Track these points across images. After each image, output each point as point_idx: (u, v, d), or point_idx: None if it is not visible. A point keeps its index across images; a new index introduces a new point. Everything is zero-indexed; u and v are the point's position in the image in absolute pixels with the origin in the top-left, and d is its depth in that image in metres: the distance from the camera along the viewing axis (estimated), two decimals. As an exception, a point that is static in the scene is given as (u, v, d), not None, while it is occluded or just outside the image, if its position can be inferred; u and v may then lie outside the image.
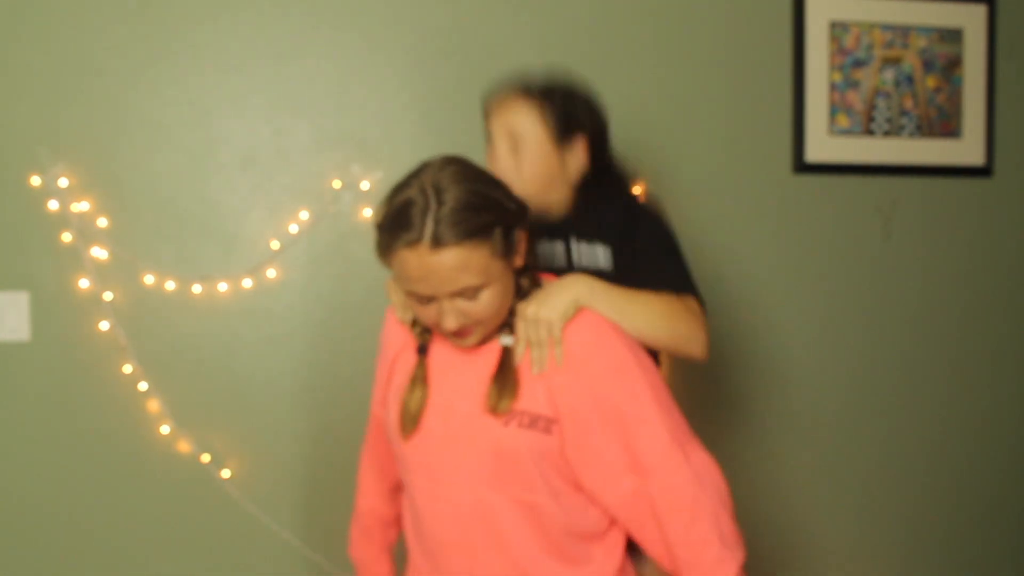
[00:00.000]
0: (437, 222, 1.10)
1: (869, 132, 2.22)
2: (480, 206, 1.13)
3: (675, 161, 2.14)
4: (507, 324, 1.22)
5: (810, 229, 2.22)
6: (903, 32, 2.24)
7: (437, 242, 1.10)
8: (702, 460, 1.22)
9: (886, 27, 2.23)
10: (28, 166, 1.87)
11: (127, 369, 1.91)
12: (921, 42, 2.25)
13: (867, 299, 2.27)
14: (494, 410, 1.18)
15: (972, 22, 2.27)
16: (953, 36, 2.27)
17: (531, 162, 1.43)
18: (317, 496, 1.99)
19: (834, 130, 2.21)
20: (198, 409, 1.93)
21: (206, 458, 1.94)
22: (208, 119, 1.95)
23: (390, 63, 2.01)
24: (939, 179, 2.29)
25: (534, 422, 1.18)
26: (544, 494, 1.19)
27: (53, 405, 1.90)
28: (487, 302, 1.16)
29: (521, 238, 1.20)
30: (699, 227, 2.16)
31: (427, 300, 1.15)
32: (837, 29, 2.20)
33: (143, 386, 1.91)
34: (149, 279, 1.91)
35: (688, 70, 2.15)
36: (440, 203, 1.11)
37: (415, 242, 1.10)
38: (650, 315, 1.28)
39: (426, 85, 2.03)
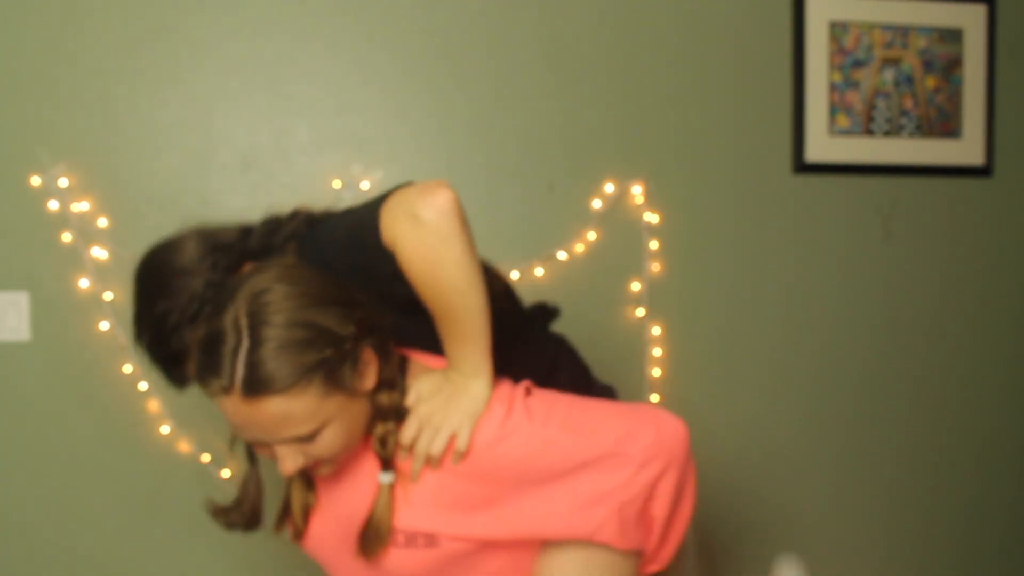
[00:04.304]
0: (249, 366, 0.92)
1: (869, 132, 2.22)
2: (303, 342, 0.94)
3: (675, 161, 2.14)
4: (385, 441, 1.04)
5: (810, 229, 2.22)
6: (903, 32, 2.24)
7: (250, 390, 0.92)
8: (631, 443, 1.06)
9: (886, 27, 2.23)
10: (28, 166, 1.87)
11: (127, 369, 1.91)
12: (921, 42, 2.25)
13: (867, 299, 2.27)
14: (365, 555, 1.05)
15: (972, 22, 2.27)
16: (953, 36, 2.26)
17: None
18: (317, 496, 1.99)
19: (834, 130, 2.21)
20: (198, 409, 1.93)
21: (206, 458, 1.94)
22: (208, 119, 1.95)
23: (390, 63, 2.01)
24: (939, 179, 2.29)
25: (411, 540, 1.04)
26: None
27: (53, 405, 1.90)
28: (328, 442, 0.99)
29: (367, 357, 1.01)
30: (699, 227, 2.16)
31: (258, 443, 1.00)
32: (837, 29, 2.20)
33: (143, 386, 1.91)
34: (149, 279, 1.91)
35: (688, 70, 2.15)
36: (254, 340, 0.93)
37: (227, 389, 0.93)
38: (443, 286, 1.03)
39: (426, 85, 2.03)
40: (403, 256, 1.04)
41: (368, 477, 1.07)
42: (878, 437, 2.29)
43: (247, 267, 1.18)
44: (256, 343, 0.93)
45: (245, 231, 1.21)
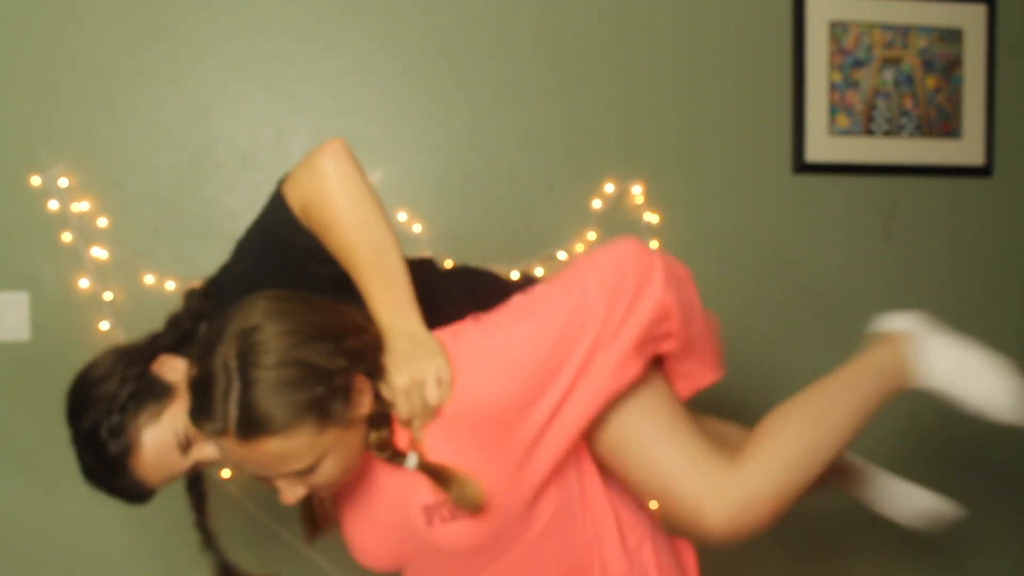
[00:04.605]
0: (242, 409, 0.92)
1: (869, 132, 2.22)
2: (294, 381, 0.94)
3: (675, 161, 2.14)
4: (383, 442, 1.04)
5: (810, 229, 2.22)
6: (903, 32, 2.24)
7: (244, 433, 0.93)
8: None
9: (886, 27, 2.23)
10: (28, 166, 1.87)
11: (127, 369, 1.91)
12: (921, 42, 2.25)
13: (867, 299, 2.26)
14: (477, 509, 1.02)
15: (972, 22, 2.27)
16: (953, 36, 2.27)
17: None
18: (317, 496, 1.99)
19: (834, 130, 2.21)
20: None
21: (206, 458, 1.93)
22: (208, 119, 1.95)
23: (390, 63, 2.01)
24: (939, 179, 2.29)
25: (455, 510, 1.03)
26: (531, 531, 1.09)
27: (53, 405, 1.89)
28: (328, 471, 0.99)
29: (360, 386, 1.00)
30: (699, 227, 2.16)
31: (258, 477, 1.00)
32: (837, 29, 2.20)
33: (143, 386, 1.91)
34: (149, 279, 1.91)
35: (688, 70, 2.15)
36: (245, 382, 0.93)
37: (221, 432, 0.94)
38: (352, 240, 1.07)
39: (426, 85, 2.03)
40: (314, 211, 1.07)
41: (394, 476, 1.07)
42: (878, 437, 2.29)
43: (162, 357, 1.18)
44: (247, 385, 0.93)
45: (155, 334, 1.24)
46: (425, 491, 1.04)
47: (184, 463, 1.16)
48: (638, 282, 1.08)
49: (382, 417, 1.04)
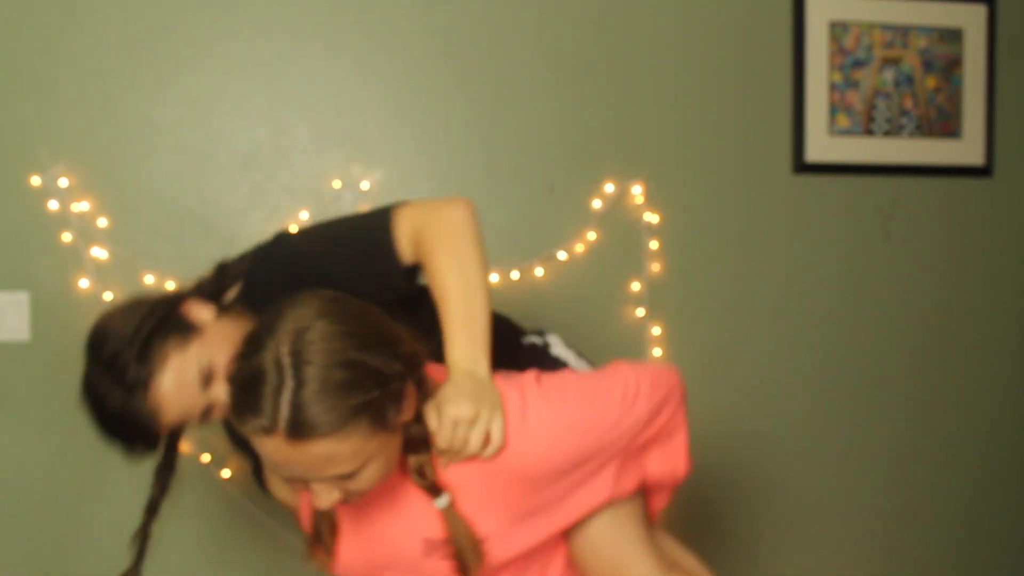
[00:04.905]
0: (294, 408, 0.89)
1: (869, 132, 2.22)
2: (351, 383, 0.91)
3: (675, 161, 2.14)
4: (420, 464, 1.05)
5: (810, 229, 2.22)
6: (903, 32, 2.24)
7: (295, 433, 0.89)
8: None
9: (886, 27, 2.23)
10: (28, 166, 1.87)
11: (127, 369, 1.90)
12: (921, 42, 2.25)
13: (867, 299, 2.26)
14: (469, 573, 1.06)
15: (972, 22, 2.27)
16: (953, 36, 2.27)
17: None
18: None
19: (834, 130, 2.21)
20: (198, 409, 1.93)
21: (206, 458, 1.93)
22: (208, 119, 1.95)
23: (390, 63, 2.01)
24: (939, 179, 2.29)
25: (456, 554, 1.06)
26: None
27: (53, 405, 1.90)
28: (369, 477, 0.97)
29: (409, 392, 0.99)
30: (699, 227, 2.16)
31: (295, 479, 0.97)
32: (837, 29, 2.20)
33: (143, 386, 1.91)
34: (149, 279, 1.91)
35: (688, 70, 2.15)
36: (298, 381, 0.89)
37: (269, 430, 0.90)
38: (463, 288, 1.14)
39: (426, 85, 2.03)
40: (423, 247, 1.16)
41: (405, 496, 1.08)
42: (878, 438, 2.29)
43: (189, 301, 1.21)
44: (300, 384, 0.89)
45: (178, 289, 1.28)
46: (436, 525, 1.06)
47: (201, 401, 1.17)
48: (672, 407, 1.18)
49: (421, 441, 1.04)
